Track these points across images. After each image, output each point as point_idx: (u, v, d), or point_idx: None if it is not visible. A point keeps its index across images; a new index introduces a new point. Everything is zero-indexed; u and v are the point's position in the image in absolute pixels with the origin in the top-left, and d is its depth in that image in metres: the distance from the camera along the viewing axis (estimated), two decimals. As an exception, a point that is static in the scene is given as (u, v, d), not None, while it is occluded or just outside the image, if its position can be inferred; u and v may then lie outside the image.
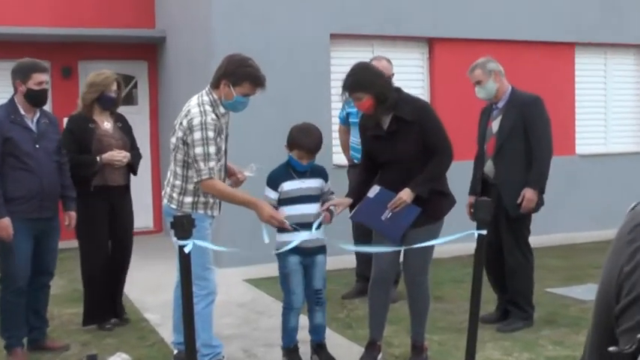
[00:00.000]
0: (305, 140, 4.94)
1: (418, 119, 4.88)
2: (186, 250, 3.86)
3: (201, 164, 4.67)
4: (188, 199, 4.84)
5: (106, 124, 6.19)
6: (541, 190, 5.91)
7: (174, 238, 3.96)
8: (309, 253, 4.99)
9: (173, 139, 4.84)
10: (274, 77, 8.49)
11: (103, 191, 6.03)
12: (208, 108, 4.74)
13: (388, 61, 6.95)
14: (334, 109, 8.66)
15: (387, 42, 9.44)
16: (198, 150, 4.66)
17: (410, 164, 4.87)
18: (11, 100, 5.33)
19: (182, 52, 10.03)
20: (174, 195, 4.89)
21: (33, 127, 5.31)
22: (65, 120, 6.37)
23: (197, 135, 4.66)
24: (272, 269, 7.89)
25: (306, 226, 4.89)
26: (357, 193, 5.11)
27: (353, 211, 4.99)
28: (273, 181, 5.00)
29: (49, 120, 5.51)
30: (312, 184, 5.02)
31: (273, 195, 4.97)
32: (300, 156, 4.95)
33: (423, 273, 5.07)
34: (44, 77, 5.32)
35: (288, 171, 5.02)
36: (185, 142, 4.73)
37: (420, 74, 9.74)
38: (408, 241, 4.86)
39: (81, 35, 10.74)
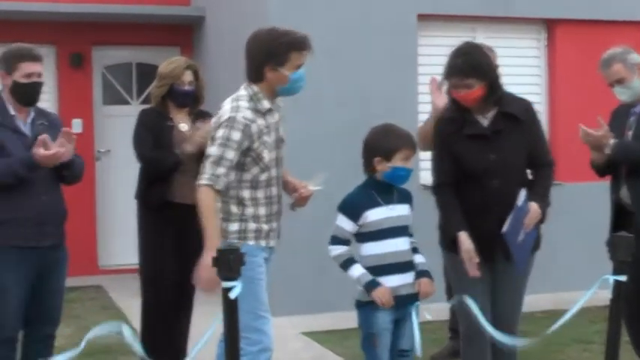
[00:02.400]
0: (403, 133, 4.95)
1: (528, 119, 4.99)
2: (232, 294, 3.83)
3: (208, 166, 4.69)
4: (233, 227, 4.82)
5: (183, 126, 6.28)
6: None
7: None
8: (402, 304, 4.90)
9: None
10: (346, 69, 8.74)
11: (170, 209, 6.16)
12: (244, 104, 4.79)
13: (490, 49, 6.89)
14: (422, 111, 8.67)
15: (493, 25, 9.43)
16: (213, 149, 4.70)
17: (515, 174, 4.93)
18: None
19: (225, 36, 10.09)
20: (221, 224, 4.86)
21: (26, 130, 5.30)
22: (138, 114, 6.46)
23: (219, 132, 4.72)
24: (340, 320, 7.96)
25: (397, 267, 4.88)
26: (464, 224, 5.03)
27: (507, 226, 4.85)
28: (354, 208, 4.93)
29: (49, 121, 5.45)
30: (402, 211, 4.99)
31: (350, 227, 4.91)
32: (406, 157, 4.92)
33: (515, 321, 5.12)
34: (36, 67, 5.25)
35: (371, 195, 4.96)
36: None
37: (534, 67, 9.70)
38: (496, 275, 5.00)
39: (95, 13, 10.92)
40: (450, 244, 5.08)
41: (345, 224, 4.92)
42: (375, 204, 4.91)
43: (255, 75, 4.84)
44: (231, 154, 4.68)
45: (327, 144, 8.48)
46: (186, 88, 6.24)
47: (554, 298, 8.66)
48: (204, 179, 4.67)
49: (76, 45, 11.20)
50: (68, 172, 5.36)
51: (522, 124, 4.97)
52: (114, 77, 11.86)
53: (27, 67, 5.21)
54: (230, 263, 3.86)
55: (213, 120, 4.90)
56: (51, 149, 5.03)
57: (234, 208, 4.82)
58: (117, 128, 11.37)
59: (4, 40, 10.48)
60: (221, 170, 4.67)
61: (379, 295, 4.79)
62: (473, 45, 5.16)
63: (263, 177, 4.80)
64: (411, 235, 5.02)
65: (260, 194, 4.80)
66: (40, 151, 5.01)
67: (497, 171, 4.93)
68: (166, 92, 6.24)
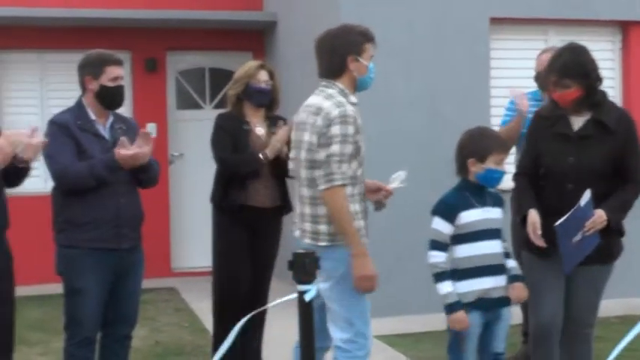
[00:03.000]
0: (497, 136, 4.95)
1: (622, 131, 4.92)
2: (308, 297, 3.82)
3: (335, 166, 4.51)
4: (323, 228, 4.67)
5: (259, 130, 6.27)
6: None
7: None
8: (492, 306, 4.86)
9: (299, 154, 4.78)
10: (418, 72, 8.74)
11: (245, 212, 6.16)
12: (341, 99, 4.67)
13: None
14: (494, 114, 8.60)
15: (566, 27, 9.30)
16: (335, 148, 4.52)
17: (588, 180, 4.85)
18: (78, 103, 5.37)
19: (297, 41, 10.10)
20: (307, 226, 4.74)
21: (106, 134, 5.35)
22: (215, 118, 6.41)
23: (335, 129, 4.53)
24: (411, 323, 8.00)
25: (490, 269, 4.82)
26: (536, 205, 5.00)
27: (561, 220, 4.77)
28: (450, 209, 4.87)
29: (127, 126, 5.50)
30: (494, 214, 4.95)
31: (447, 229, 4.84)
32: (499, 159, 4.87)
33: (590, 324, 5.03)
34: (120, 71, 5.35)
35: (466, 197, 4.89)
36: (319, 145, 4.61)
37: (609, 70, 9.49)
38: (572, 278, 4.94)
39: (169, 19, 11.05)
40: (524, 243, 5.09)
41: (442, 226, 4.86)
42: (469, 205, 4.86)
43: (338, 69, 4.75)
44: (350, 149, 4.56)
45: (397, 145, 8.47)
46: (262, 85, 6.22)
47: (628, 304, 8.64)
48: (337, 180, 4.50)
49: (151, 50, 11.34)
50: (145, 175, 5.40)
51: (614, 134, 4.90)
52: (187, 82, 11.94)
53: (113, 71, 5.28)
54: (306, 267, 3.85)
55: (297, 123, 4.83)
56: (130, 151, 5.11)
57: (320, 210, 4.68)
58: (190, 132, 11.52)
59: (81, 46, 10.74)
60: (345, 167, 4.54)
61: (454, 320, 4.76)
62: (577, 46, 5.05)
63: (359, 172, 4.68)
64: (503, 240, 4.98)
65: (356, 190, 4.65)
66: (120, 152, 5.09)
67: (574, 175, 4.88)
68: (242, 92, 6.22)
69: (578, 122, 4.97)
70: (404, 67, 8.69)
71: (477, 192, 4.90)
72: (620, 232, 5.01)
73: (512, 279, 4.88)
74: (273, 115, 6.40)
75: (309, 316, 3.86)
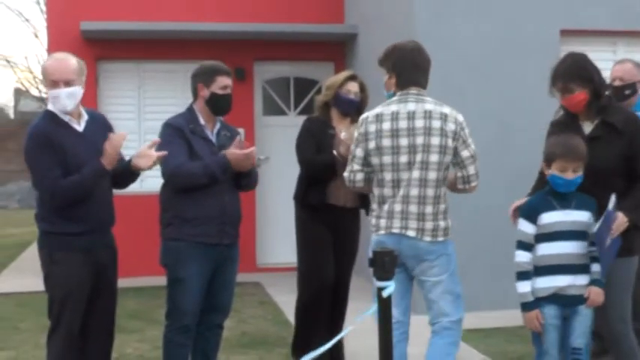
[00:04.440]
0: (566, 144, 4.83)
1: (630, 131, 4.92)
2: (386, 293, 3.86)
3: (473, 167, 5.00)
4: (442, 224, 4.97)
5: (344, 135, 6.28)
6: None
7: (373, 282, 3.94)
8: (568, 303, 4.84)
9: (424, 157, 4.89)
10: (489, 84, 8.73)
11: (325, 210, 6.26)
12: None
13: (636, 65, 6.68)
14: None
15: (634, 39, 9.20)
16: (473, 149, 4.99)
17: (602, 179, 4.87)
18: (190, 109, 5.59)
19: (377, 51, 9.71)
20: (428, 225, 4.92)
21: (213, 139, 5.54)
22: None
23: (467, 132, 4.97)
24: (482, 319, 7.95)
25: (567, 268, 4.81)
26: None
27: (597, 227, 4.75)
28: (532, 210, 4.89)
29: (231, 133, 5.66)
30: (577, 217, 4.87)
31: (530, 229, 4.87)
32: (561, 167, 4.81)
33: (623, 319, 4.97)
34: (229, 81, 5.54)
35: (548, 199, 4.89)
36: (455, 148, 4.95)
37: (676, 80, 9.35)
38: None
39: (256, 32, 11.25)
40: None
41: (525, 227, 4.89)
42: (550, 207, 4.86)
43: (426, 81, 5.09)
44: None
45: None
46: (351, 97, 6.31)
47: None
48: (476, 180, 5.06)
49: (240, 60, 11.48)
50: (246, 180, 5.61)
51: (623, 134, 4.91)
52: (273, 90, 12.11)
53: (223, 81, 5.50)
54: (385, 265, 3.89)
55: (431, 128, 4.90)
56: (245, 150, 5.38)
57: (442, 206, 4.99)
58: (275, 137, 11.67)
59: (177, 57, 11.10)
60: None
61: (527, 319, 4.86)
62: (578, 53, 5.10)
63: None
64: (591, 243, 4.83)
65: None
66: (235, 151, 5.34)
67: (589, 176, 4.82)
68: (331, 99, 6.32)
69: (588, 127, 4.99)
70: (476, 80, 8.69)
71: (561, 195, 4.86)
72: (637, 227, 4.91)
73: (592, 282, 4.83)
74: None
75: (387, 310, 3.88)
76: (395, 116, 4.90)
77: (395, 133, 4.89)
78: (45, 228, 5.04)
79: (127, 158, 5.25)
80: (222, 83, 5.49)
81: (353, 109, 6.33)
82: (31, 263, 12.67)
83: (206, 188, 5.34)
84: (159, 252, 5.53)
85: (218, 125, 5.61)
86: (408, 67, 5.02)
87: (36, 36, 31.39)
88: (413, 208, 4.88)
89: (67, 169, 4.89)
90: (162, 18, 11.18)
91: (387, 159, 4.92)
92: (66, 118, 4.99)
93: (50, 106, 5.02)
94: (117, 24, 10.91)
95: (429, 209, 4.89)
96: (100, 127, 5.18)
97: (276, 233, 11.54)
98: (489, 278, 8.53)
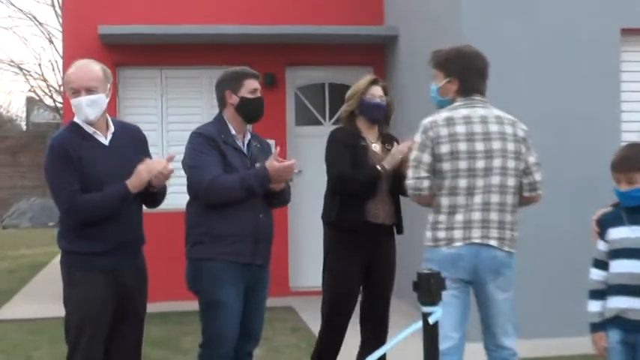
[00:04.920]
0: (623, 154, 4.87)
1: None
2: (432, 319, 3.80)
3: (539, 174, 5.16)
4: (516, 234, 5.12)
5: (375, 146, 6.29)
6: None
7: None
8: (632, 328, 4.76)
9: (508, 163, 5.03)
10: (543, 86, 8.73)
11: (364, 229, 6.18)
12: None
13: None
14: (625, 129, 8.58)
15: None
16: (536, 155, 5.16)
17: None
18: (219, 118, 5.61)
19: (419, 54, 9.87)
20: (507, 234, 5.06)
21: (245, 149, 5.56)
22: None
23: (530, 140, 5.15)
24: (566, 346, 7.85)
25: (629, 289, 4.74)
26: None
27: None
28: (602, 225, 4.92)
29: (262, 145, 5.69)
30: None
31: (602, 246, 4.89)
32: (616, 179, 4.85)
33: None
34: (257, 84, 5.58)
35: (619, 214, 4.88)
36: (524, 154, 5.11)
37: None
38: None
39: (288, 34, 11.23)
40: None
41: (599, 243, 4.92)
42: (619, 222, 4.85)
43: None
44: None
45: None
46: (377, 100, 6.29)
47: None
48: (541, 188, 5.21)
49: (270, 65, 11.45)
50: (279, 196, 5.61)
51: None
52: (306, 98, 12.12)
53: (251, 84, 5.54)
54: (431, 288, 3.86)
55: (503, 134, 5.05)
56: (285, 162, 5.38)
57: (517, 216, 5.15)
58: (309, 149, 11.57)
59: (201, 62, 11.10)
60: None
61: (593, 340, 4.90)
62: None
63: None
64: None
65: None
66: (275, 163, 5.34)
67: None
68: (356, 107, 6.30)
69: None
70: (529, 82, 8.69)
71: (630, 209, 4.84)
72: None
73: None
74: (387, 132, 6.45)
75: (434, 339, 3.84)
76: (468, 120, 5.00)
77: (470, 137, 4.97)
78: (65, 247, 5.07)
79: None
80: (251, 86, 5.53)
81: (381, 114, 6.34)
82: (44, 287, 12.91)
83: (239, 203, 5.34)
84: (184, 274, 5.53)
85: (249, 136, 5.64)
86: (474, 74, 5.14)
87: (50, 41, 31.49)
88: (494, 216, 4.99)
89: (86, 184, 4.91)
90: (186, 21, 11.25)
91: (462, 164, 4.96)
92: (90, 130, 5.01)
93: (75, 117, 5.05)
94: (137, 27, 10.96)
95: (508, 217, 5.03)
96: (131, 140, 5.21)
97: (309, 254, 11.44)
98: (567, 304, 8.43)
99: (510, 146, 5.02)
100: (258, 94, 5.58)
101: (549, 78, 8.77)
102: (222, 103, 5.62)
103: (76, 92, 4.94)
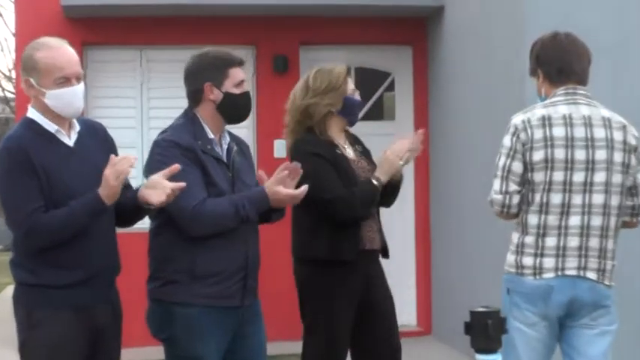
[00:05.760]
0: None
1: None
2: None
3: None
4: (616, 264, 5.13)
5: (349, 152, 6.24)
6: None
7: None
8: None
9: (614, 178, 5.01)
10: (626, 76, 8.92)
11: (359, 258, 6.09)
12: None
13: None
14: None
15: None
16: None
17: None
18: (191, 118, 5.37)
19: (470, 33, 10.22)
20: (609, 264, 5.07)
21: (224, 158, 5.38)
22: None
23: None
24: None
25: None
26: None
27: None
28: None
29: (241, 147, 5.55)
30: None
31: None
32: None
33: None
34: (243, 74, 5.43)
35: None
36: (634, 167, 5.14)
37: None
38: None
39: (304, 6, 11.00)
40: None
41: None
42: None
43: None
44: None
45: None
46: (357, 97, 6.29)
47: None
48: None
49: (280, 45, 11.43)
50: (280, 213, 5.55)
51: None
52: (326, 84, 11.73)
53: (237, 74, 5.38)
54: (489, 331, 4.11)
55: (612, 141, 5.08)
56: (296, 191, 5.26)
57: (616, 244, 5.23)
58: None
59: (192, 42, 10.87)
60: None
61: None
62: None
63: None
64: None
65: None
66: (281, 190, 5.19)
67: None
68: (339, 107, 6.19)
69: None
70: (610, 67, 8.59)
71: None
72: None
73: None
74: (346, 130, 6.44)
75: None
76: (568, 121, 4.99)
77: (570, 143, 4.97)
78: (22, 279, 4.92)
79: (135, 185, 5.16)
80: (238, 77, 5.34)
81: (358, 115, 6.47)
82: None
83: (227, 233, 5.20)
84: (145, 316, 5.38)
85: (227, 138, 5.45)
86: (574, 58, 5.17)
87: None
88: (594, 243, 5.01)
89: (51, 197, 4.77)
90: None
91: (558, 176, 4.97)
92: (52, 129, 4.88)
93: (30, 113, 4.92)
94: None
95: (610, 244, 5.05)
96: (98, 141, 5.12)
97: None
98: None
99: (618, 157, 5.02)
100: (245, 88, 5.41)
101: (633, 65, 8.87)
102: (197, 98, 5.36)
103: (67, 81, 4.82)
